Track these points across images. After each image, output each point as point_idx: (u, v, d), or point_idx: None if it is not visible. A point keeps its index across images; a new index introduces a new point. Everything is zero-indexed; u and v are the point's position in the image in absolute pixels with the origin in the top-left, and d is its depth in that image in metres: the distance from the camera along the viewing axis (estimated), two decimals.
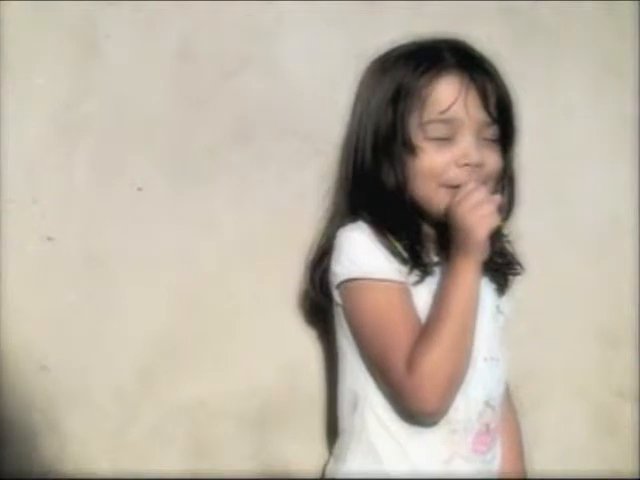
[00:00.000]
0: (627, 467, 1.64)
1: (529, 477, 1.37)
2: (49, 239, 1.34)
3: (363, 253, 1.17)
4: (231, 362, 1.42)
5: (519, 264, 1.30)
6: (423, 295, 1.18)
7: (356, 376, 1.22)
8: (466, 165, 1.16)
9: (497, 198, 1.17)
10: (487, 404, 1.22)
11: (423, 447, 1.19)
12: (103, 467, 1.36)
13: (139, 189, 1.38)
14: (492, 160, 1.19)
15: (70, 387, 1.36)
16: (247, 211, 1.43)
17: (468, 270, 1.14)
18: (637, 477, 1.63)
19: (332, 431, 1.36)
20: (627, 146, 1.68)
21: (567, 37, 1.65)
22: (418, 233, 1.21)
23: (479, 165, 1.17)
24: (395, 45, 1.23)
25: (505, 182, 1.24)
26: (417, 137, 1.17)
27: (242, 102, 1.43)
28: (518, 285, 1.53)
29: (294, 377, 1.45)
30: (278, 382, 1.44)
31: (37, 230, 1.33)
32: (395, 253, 1.17)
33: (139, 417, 1.39)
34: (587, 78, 1.66)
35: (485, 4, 1.57)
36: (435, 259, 1.21)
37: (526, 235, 1.56)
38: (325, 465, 1.32)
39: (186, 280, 1.40)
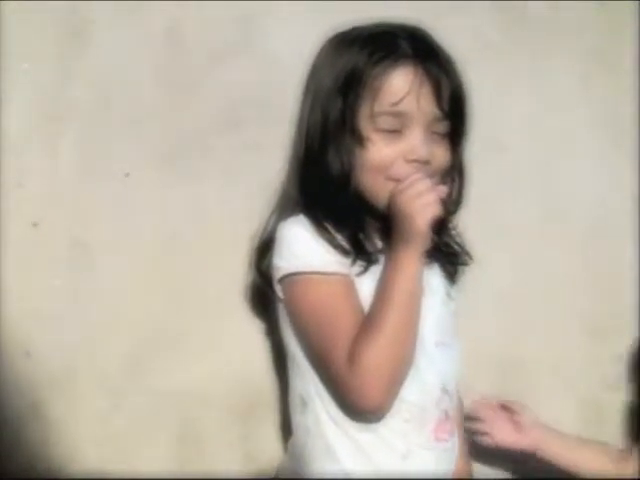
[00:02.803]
0: None
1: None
2: (34, 224, 1.33)
3: (304, 247, 1.14)
4: (218, 350, 1.41)
5: (467, 254, 1.28)
6: (368, 285, 1.15)
7: (304, 374, 1.18)
8: (414, 161, 1.14)
9: (441, 189, 1.15)
10: (443, 390, 1.20)
11: (378, 441, 1.15)
12: (88, 454, 1.36)
13: (126, 175, 1.37)
14: (440, 156, 1.17)
15: (55, 374, 1.35)
16: (234, 198, 1.42)
17: (409, 259, 1.11)
18: None
19: None
20: (618, 139, 1.68)
21: (559, 29, 1.64)
22: (362, 222, 1.18)
23: (427, 162, 1.15)
24: (354, 26, 1.20)
25: (454, 175, 1.22)
26: (366, 128, 1.14)
27: (230, 89, 1.43)
28: (507, 276, 1.54)
29: (281, 366, 1.44)
30: (265, 371, 1.44)
31: (22, 215, 1.33)
32: (336, 245, 1.14)
33: (124, 404, 1.38)
34: (579, 71, 1.65)
35: None
36: (380, 246, 1.19)
37: (516, 227, 1.57)
38: (280, 464, 1.31)
39: (173, 267, 1.39)
